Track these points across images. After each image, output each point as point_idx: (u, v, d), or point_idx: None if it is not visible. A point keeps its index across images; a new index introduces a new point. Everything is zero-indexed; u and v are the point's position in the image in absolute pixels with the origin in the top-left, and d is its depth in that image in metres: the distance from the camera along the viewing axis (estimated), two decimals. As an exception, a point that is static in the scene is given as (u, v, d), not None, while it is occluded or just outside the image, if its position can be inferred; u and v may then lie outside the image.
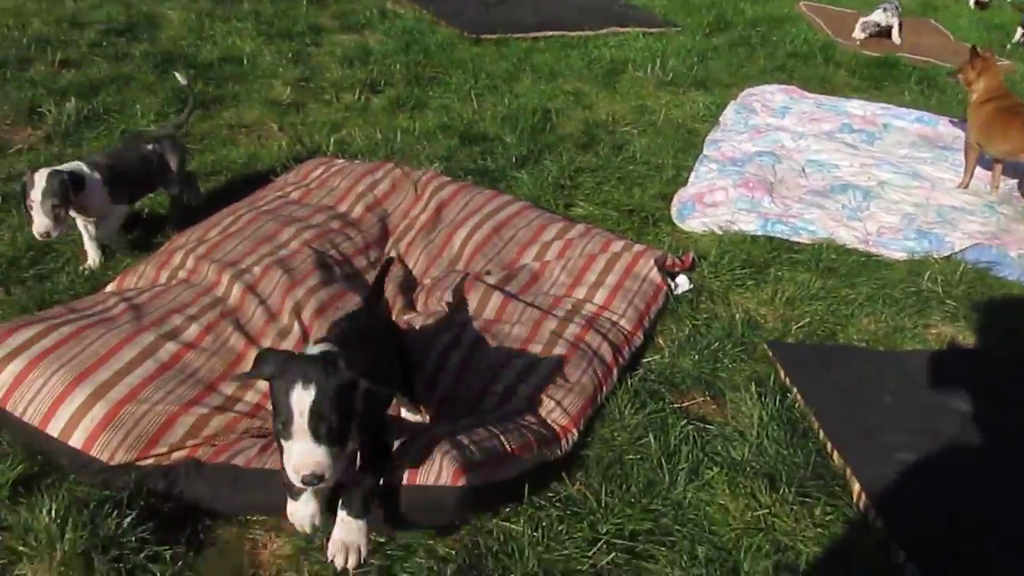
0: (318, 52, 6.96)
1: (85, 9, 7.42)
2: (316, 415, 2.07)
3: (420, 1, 8.54)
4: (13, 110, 5.45)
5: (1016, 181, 5.47)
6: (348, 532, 2.36)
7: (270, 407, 2.30)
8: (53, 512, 2.53)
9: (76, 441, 2.78)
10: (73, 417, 2.81)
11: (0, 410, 2.88)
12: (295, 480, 2.11)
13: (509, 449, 2.73)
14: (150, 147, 4.16)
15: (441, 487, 2.52)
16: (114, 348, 3.03)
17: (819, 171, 5.47)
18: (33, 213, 3.67)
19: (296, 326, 3.35)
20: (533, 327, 3.43)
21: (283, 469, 2.19)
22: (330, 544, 2.37)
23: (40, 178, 3.64)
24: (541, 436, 2.89)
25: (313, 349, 2.30)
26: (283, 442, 2.14)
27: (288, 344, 3.28)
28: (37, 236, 3.70)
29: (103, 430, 2.79)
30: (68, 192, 3.67)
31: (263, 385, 3.14)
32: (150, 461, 2.77)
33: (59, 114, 5.33)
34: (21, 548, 2.49)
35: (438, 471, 2.53)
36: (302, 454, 2.08)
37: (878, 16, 8.71)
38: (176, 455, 2.80)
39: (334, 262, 3.73)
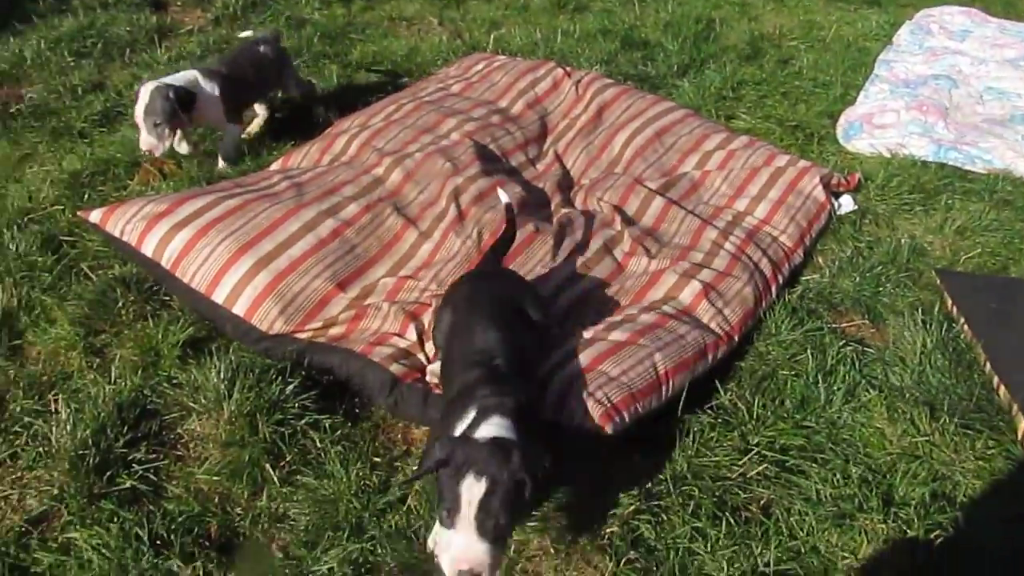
0: (478, -51, 6.88)
1: None
2: (485, 510, 1.86)
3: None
4: (185, -8, 5.61)
5: None
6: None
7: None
8: (221, 373, 2.64)
9: (239, 308, 2.90)
10: (237, 285, 2.93)
11: (170, 275, 3.01)
12: (448, 572, 1.89)
13: (663, 371, 2.70)
14: (263, 48, 4.13)
15: (586, 429, 2.48)
16: (277, 221, 3.12)
17: (999, 99, 5.14)
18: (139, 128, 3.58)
19: (452, 209, 3.36)
20: (694, 235, 3.37)
21: (436, 555, 1.99)
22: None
23: (145, 93, 3.53)
24: (699, 348, 2.84)
25: (489, 427, 2.03)
26: (444, 528, 1.93)
27: (443, 226, 3.31)
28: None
29: (264, 299, 2.90)
30: (174, 110, 3.55)
31: (418, 260, 3.18)
32: (306, 335, 2.85)
33: (227, -2, 5.45)
34: (191, 404, 2.62)
35: (583, 413, 2.50)
36: (463, 548, 1.87)
37: None
38: (332, 331, 2.87)
39: (494, 156, 3.73)
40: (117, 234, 3.13)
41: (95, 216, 3.20)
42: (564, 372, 2.63)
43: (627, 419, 2.54)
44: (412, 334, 2.81)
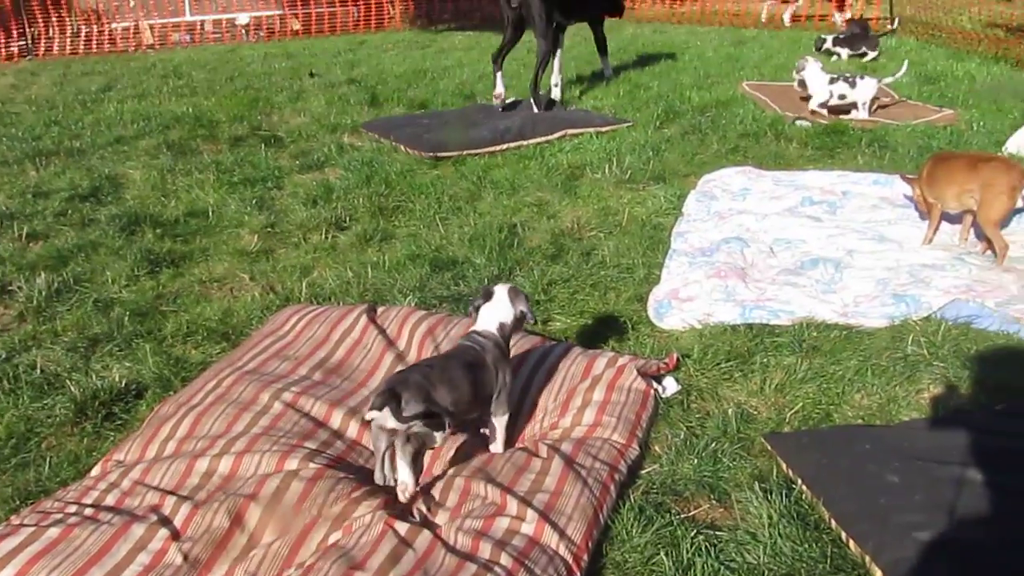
0: (281, 195, 7.03)
1: (48, 177, 7.54)
2: None
3: (376, 129, 8.72)
4: (-17, 291, 5.46)
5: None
6: None
7: None
8: None
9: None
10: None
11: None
12: None
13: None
14: None
15: None
16: (105, 547, 2.98)
17: (788, 249, 5.52)
18: None
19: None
20: (526, 459, 3.38)
21: None
22: None
23: None
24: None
25: None
26: None
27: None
28: None
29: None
30: None
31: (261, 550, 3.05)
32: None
33: (30, 290, 5.32)
34: None
35: None
36: None
37: (843, 88, 8.82)
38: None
39: (317, 422, 3.69)
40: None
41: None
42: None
43: None
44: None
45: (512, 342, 3.73)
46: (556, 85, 9.88)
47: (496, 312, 3.57)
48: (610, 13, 10.97)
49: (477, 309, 3.61)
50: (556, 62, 9.75)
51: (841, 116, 8.66)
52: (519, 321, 3.62)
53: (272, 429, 3.58)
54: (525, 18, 9.26)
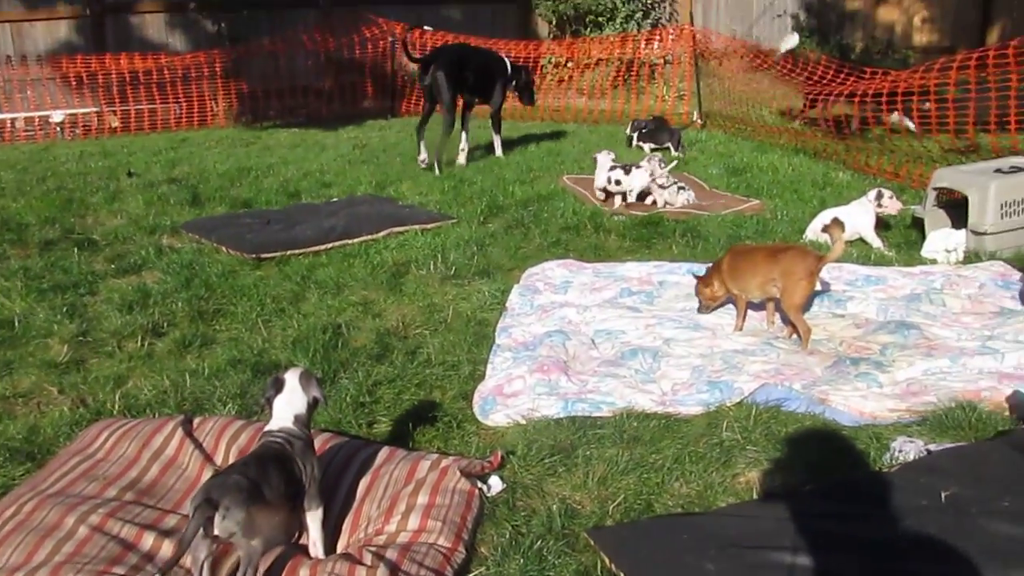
0: (95, 301, 6.74)
1: None
2: None
3: (197, 230, 8.53)
4: None
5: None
6: None
7: None
8: None
9: None
10: None
11: None
12: None
13: None
14: None
15: None
16: None
17: (608, 340, 5.67)
18: None
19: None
20: (349, 569, 3.30)
21: None
22: None
23: None
24: None
25: None
26: None
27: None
28: None
29: None
30: None
31: None
32: None
33: None
34: None
35: None
36: None
37: (618, 175, 9.34)
38: None
39: (127, 545, 3.49)
40: None
41: None
42: None
43: None
44: None
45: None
46: (463, 151, 11.78)
47: (290, 403, 3.51)
48: (520, 98, 12.74)
49: (269, 402, 3.55)
50: (464, 134, 11.81)
51: (657, 208, 9.06)
52: (313, 408, 3.59)
53: (77, 556, 3.37)
54: (433, 93, 11.25)
